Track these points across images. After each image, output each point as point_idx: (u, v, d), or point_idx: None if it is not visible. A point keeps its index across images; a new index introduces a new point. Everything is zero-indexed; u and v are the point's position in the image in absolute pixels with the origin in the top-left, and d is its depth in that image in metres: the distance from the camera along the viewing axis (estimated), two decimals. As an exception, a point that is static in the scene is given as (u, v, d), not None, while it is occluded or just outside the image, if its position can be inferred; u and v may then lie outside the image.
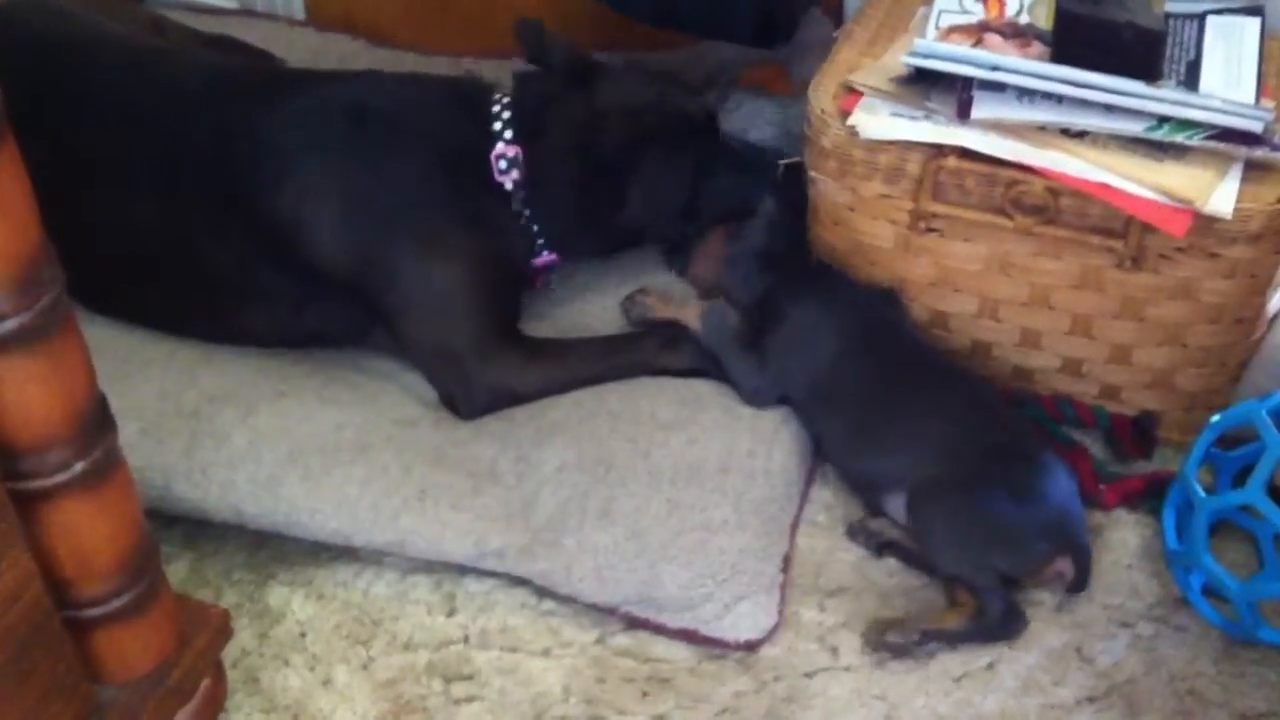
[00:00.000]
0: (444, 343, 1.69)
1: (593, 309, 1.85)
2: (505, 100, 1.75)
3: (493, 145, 1.72)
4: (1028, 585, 1.53)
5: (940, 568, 1.53)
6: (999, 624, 1.49)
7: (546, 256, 1.79)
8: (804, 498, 1.65)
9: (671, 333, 1.74)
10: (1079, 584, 1.50)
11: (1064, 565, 1.50)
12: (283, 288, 1.71)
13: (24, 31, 1.82)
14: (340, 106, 1.73)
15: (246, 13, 2.43)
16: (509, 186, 1.73)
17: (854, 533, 1.60)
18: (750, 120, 2.00)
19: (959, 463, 1.52)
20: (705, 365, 1.70)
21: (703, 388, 1.68)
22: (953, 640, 1.49)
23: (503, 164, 1.72)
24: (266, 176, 1.67)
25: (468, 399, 1.68)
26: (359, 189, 1.68)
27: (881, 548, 1.58)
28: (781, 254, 1.76)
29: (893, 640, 1.48)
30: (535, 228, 1.76)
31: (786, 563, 1.56)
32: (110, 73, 1.77)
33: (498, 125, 1.74)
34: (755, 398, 1.66)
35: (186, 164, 1.70)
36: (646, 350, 1.73)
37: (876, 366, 1.63)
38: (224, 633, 1.31)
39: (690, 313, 1.73)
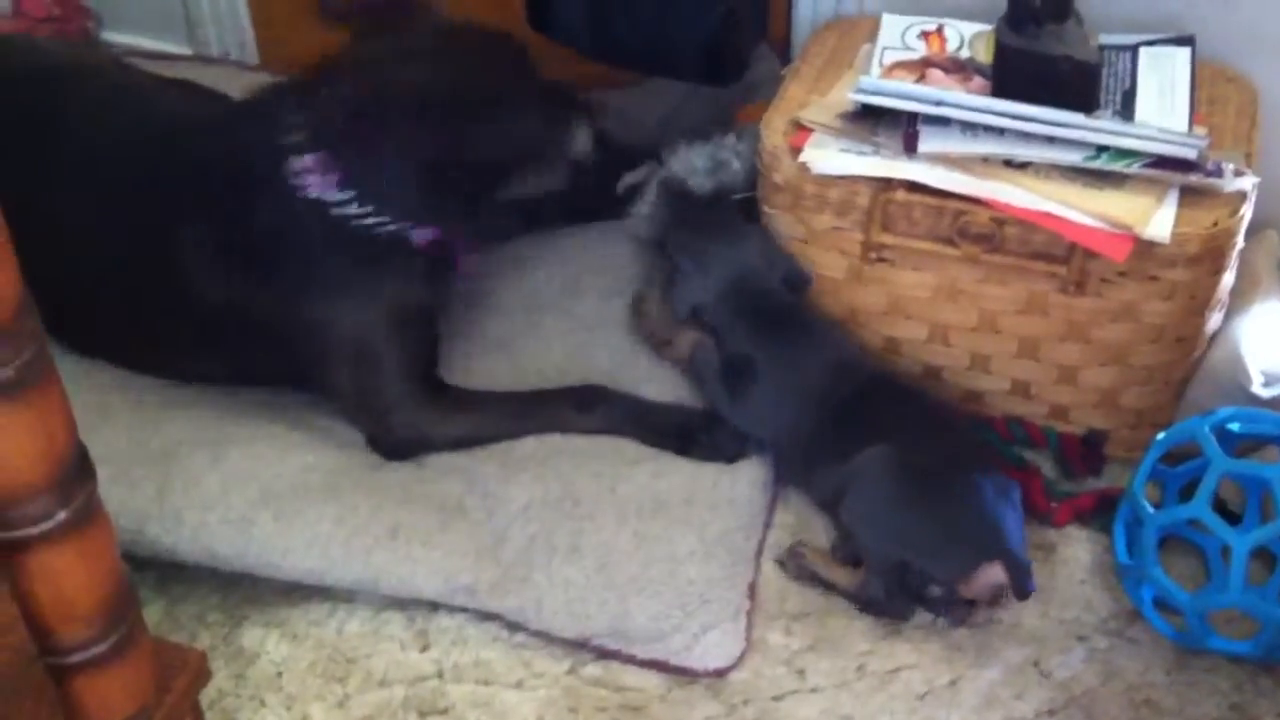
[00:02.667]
0: (360, 390, 1.69)
1: (551, 338, 1.85)
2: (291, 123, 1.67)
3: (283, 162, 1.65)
4: (969, 596, 1.54)
5: (854, 531, 1.59)
6: (877, 603, 1.56)
7: (421, 233, 1.68)
8: (768, 525, 1.68)
9: (587, 396, 1.73)
10: (1019, 590, 1.52)
11: (996, 573, 1.51)
12: (224, 331, 1.71)
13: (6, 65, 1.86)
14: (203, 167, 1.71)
15: (200, 58, 2.45)
16: (332, 195, 1.63)
17: (832, 552, 1.65)
18: (686, 166, 1.95)
19: (898, 464, 1.56)
20: (617, 428, 1.70)
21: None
22: (839, 594, 1.59)
23: (306, 178, 1.64)
24: (185, 225, 1.67)
25: (386, 444, 1.70)
26: (258, 239, 1.66)
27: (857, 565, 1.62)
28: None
29: (790, 564, 1.63)
30: (384, 217, 1.65)
31: (752, 590, 1.60)
32: (85, 109, 1.80)
33: (286, 137, 1.65)
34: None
35: (134, 212, 1.72)
36: (559, 411, 1.72)
37: (837, 395, 1.66)
38: (202, 675, 1.32)
39: (682, 343, 1.75)
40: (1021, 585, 1.51)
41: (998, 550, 1.51)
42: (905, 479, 1.56)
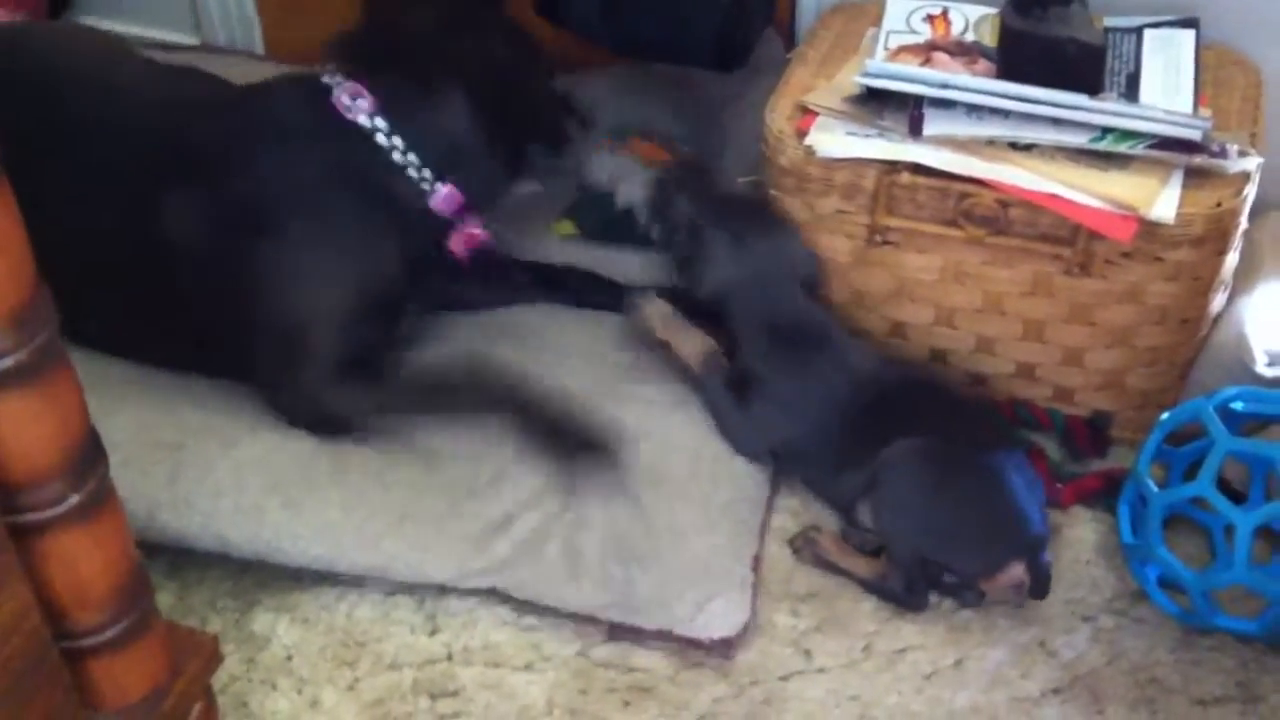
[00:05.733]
0: (282, 367, 1.67)
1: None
2: (327, 68, 1.71)
3: (330, 95, 1.67)
4: (988, 590, 1.56)
5: (878, 527, 1.59)
6: (896, 595, 1.57)
7: (443, 191, 1.70)
8: (770, 504, 1.69)
9: (497, 393, 1.67)
10: (1038, 590, 1.54)
11: (1018, 572, 1.53)
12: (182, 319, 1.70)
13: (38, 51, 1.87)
14: (184, 137, 1.72)
15: (206, 48, 2.46)
16: (364, 121, 1.66)
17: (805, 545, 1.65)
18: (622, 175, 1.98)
19: (928, 458, 1.56)
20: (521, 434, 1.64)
21: (672, 394, 1.73)
22: (855, 582, 1.60)
23: (345, 99, 1.66)
24: (142, 206, 1.67)
25: (291, 415, 1.67)
26: (230, 206, 1.66)
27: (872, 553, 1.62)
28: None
29: (804, 551, 1.62)
30: (413, 157, 1.67)
31: (757, 563, 1.61)
32: (37, 104, 1.77)
33: (326, 79, 1.69)
34: (746, 451, 1.69)
35: (90, 194, 1.70)
36: (467, 410, 1.68)
37: (852, 401, 1.65)
38: (214, 659, 1.33)
39: (690, 350, 1.72)
40: (1041, 587, 1.54)
41: (1024, 548, 1.53)
42: (936, 471, 1.56)
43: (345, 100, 1.66)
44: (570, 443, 1.63)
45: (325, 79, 1.69)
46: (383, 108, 1.66)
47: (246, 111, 1.75)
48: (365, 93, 1.66)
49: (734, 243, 1.72)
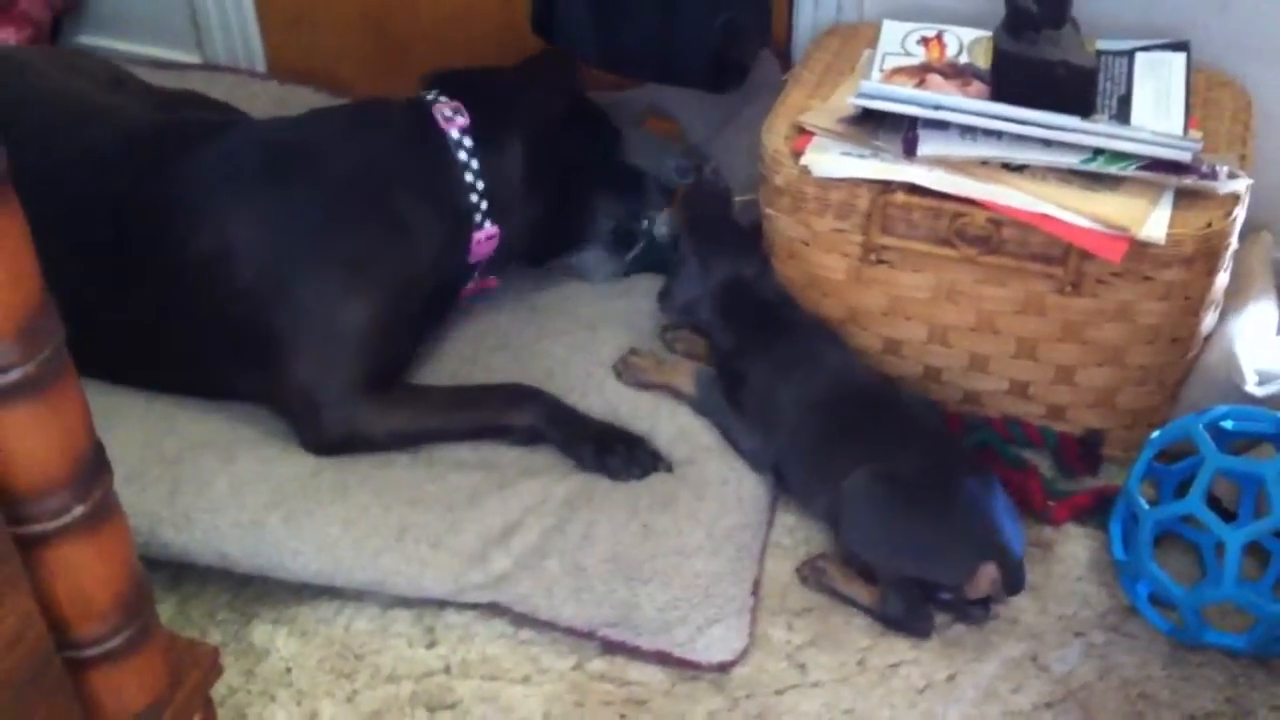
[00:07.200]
0: (311, 385, 1.69)
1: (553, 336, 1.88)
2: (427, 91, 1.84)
3: (431, 105, 1.79)
4: (973, 596, 1.57)
5: (856, 553, 1.61)
6: (898, 619, 1.58)
7: (488, 230, 1.81)
8: (770, 523, 1.70)
9: (518, 394, 1.75)
10: (1012, 585, 1.55)
11: (993, 571, 1.54)
12: (197, 342, 1.72)
13: None
14: (250, 145, 1.77)
15: (209, 67, 2.47)
16: (455, 134, 1.77)
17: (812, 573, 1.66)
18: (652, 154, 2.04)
19: (883, 483, 1.58)
20: (543, 429, 1.72)
21: (685, 419, 1.75)
22: (861, 609, 1.60)
23: (446, 112, 1.79)
24: (181, 223, 1.69)
25: (315, 440, 1.69)
26: (272, 223, 1.69)
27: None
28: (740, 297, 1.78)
29: (811, 579, 1.63)
30: (480, 185, 1.78)
31: (756, 587, 1.62)
32: (47, 130, 1.78)
33: (430, 95, 1.81)
34: (754, 461, 1.71)
35: (103, 218, 1.71)
36: (490, 407, 1.74)
37: (828, 407, 1.68)
38: (214, 670, 1.34)
39: (682, 377, 1.77)
40: (1013, 581, 1.54)
41: (991, 549, 1.54)
42: (892, 496, 1.58)
43: (446, 112, 1.79)
44: (595, 447, 1.70)
45: (428, 97, 1.82)
46: (472, 130, 1.78)
47: (340, 117, 1.86)
48: (464, 111, 1.80)
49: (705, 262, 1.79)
